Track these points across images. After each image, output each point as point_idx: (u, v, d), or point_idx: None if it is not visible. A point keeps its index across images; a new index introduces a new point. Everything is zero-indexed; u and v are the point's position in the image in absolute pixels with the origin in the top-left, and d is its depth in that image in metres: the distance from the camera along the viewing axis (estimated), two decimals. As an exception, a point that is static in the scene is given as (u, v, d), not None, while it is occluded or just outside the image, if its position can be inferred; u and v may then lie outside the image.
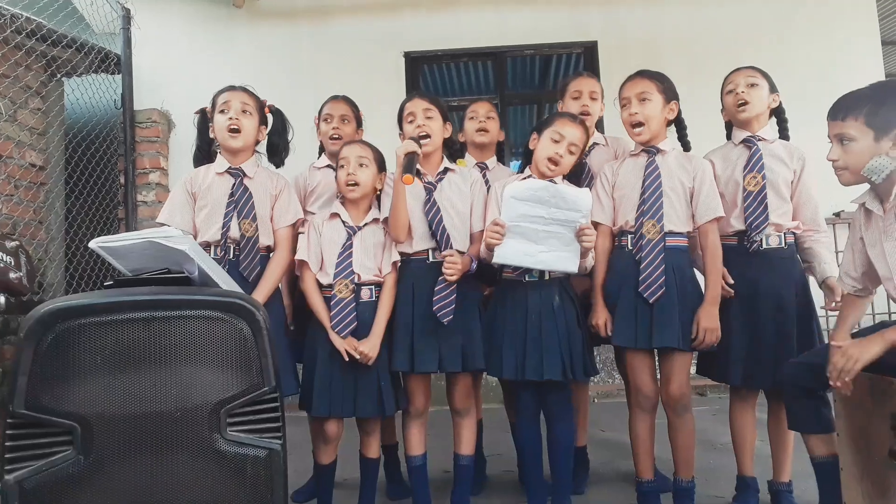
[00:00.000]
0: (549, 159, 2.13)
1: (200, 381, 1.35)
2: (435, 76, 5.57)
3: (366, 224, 2.21)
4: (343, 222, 2.20)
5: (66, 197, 4.01)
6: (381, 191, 2.27)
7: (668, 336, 2.06)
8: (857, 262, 1.82)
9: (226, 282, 1.66)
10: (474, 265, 2.16)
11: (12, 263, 1.43)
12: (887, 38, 5.45)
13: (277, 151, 2.35)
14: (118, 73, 4.22)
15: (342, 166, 2.19)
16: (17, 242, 1.47)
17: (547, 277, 2.13)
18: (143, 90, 4.29)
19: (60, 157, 3.99)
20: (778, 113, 2.27)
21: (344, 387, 2.12)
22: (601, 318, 2.16)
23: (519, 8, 4.57)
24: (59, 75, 4.01)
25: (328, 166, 2.51)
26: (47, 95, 3.90)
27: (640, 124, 2.14)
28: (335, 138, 2.50)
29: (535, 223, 2.01)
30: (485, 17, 4.56)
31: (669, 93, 2.18)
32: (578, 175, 2.27)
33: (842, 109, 1.69)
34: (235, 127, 2.16)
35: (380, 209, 2.27)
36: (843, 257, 1.91)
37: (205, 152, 2.29)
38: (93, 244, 1.57)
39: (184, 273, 1.59)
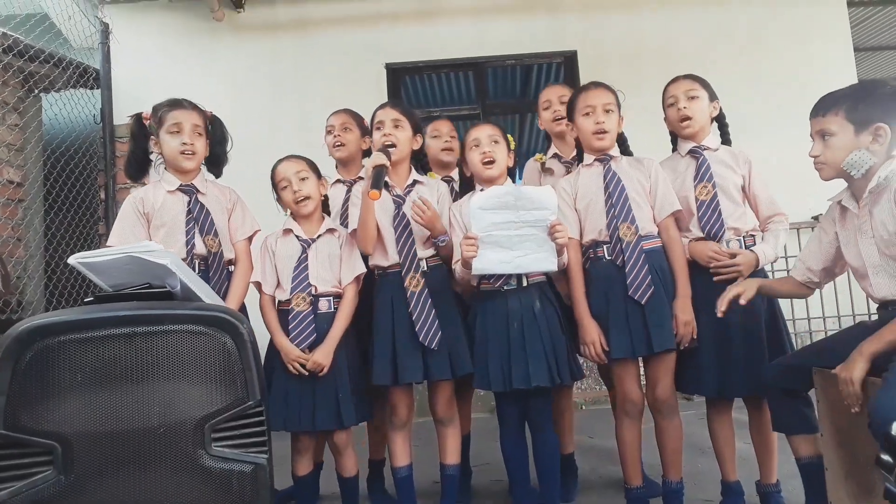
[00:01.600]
0: (481, 162, 2.16)
1: (184, 396, 1.34)
2: (416, 87, 5.59)
3: (319, 236, 2.22)
4: (297, 237, 2.21)
5: (45, 213, 3.97)
6: (325, 196, 2.30)
7: (665, 338, 2.06)
8: (822, 255, 1.87)
9: (208, 295, 1.65)
10: (444, 240, 2.17)
11: None
12: (859, 44, 5.57)
13: (218, 162, 2.33)
14: (97, 88, 4.20)
15: (284, 187, 2.20)
16: None
17: (525, 283, 2.12)
18: (122, 104, 4.25)
19: (39, 174, 3.95)
20: (719, 119, 2.31)
21: (301, 400, 2.10)
22: (592, 333, 2.12)
23: (498, 18, 4.61)
24: (36, 91, 3.97)
25: (338, 181, 2.53)
26: (25, 111, 3.86)
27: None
28: (339, 146, 2.52)
29: (506, 229, 2.00)
30: (465, 28, 4.60)
31: (619, 106, 2.22)
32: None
33: (823, 106, 1.74)
34: (190, 150, 2.15)
35: (329, 217, 2.31)
36: (807, 247, 1.95)
37: (140, 163, 2.24)
38: (72, 260, 1.55)
39: (165, 287, 1.57)
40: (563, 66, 4.74)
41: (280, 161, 2.28)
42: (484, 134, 2.18)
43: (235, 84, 4.37)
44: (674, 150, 2.36)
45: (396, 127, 2.23)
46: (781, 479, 2.20)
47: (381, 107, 2.30)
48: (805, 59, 4.45)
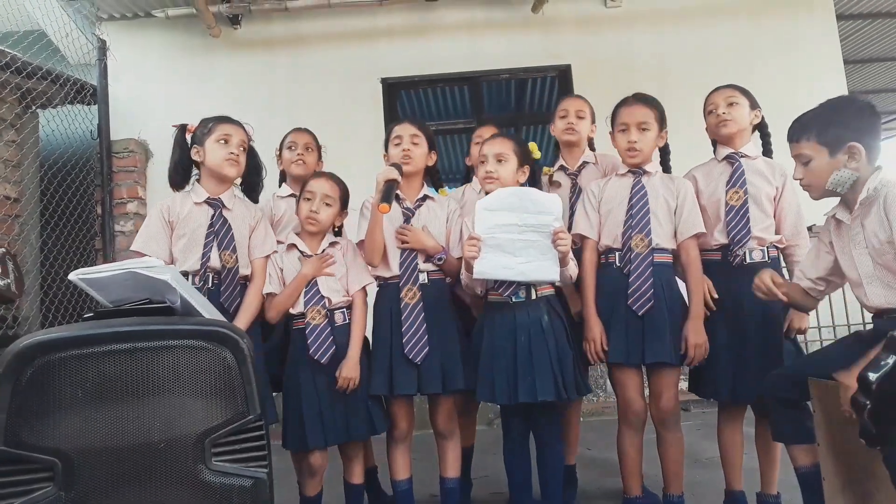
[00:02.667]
0: (484, 179, 2.15)
1: (184, 411, 1.33)
2: (413, 102, 5.63)
3: (324, 250, 2.23)
4: (301, 252, 2.22)
5: (42, 229, 3.97)
6: (339, 227, 2.32)
7: (658, 350, 2.08)
8: (820, 266, 1.89)
9: (208, 310, 1.65)
10: (441, 258, 2.20)
11: None
12: (849, 57, 5.65)
13: (254, 189, 2.37)
14: (94, 104, 4.21)
15: (308, 199, 2.20)
16: (4, 249, 1.45)
17: (534, 297, 2.12)
18: (119, 120, 4.28)
19: (35, 189, 3.95)
20: (761, 128, 2.33)
21: (335, 413, 2.10)
22: (595, 331, 2.16)
23: (493, 33, 4.66)
24: (34, 107, 3.99)
25: (292, 195, 2.52)
26: (22, 127, 3.87)
27: (636, 150, 2.19)
28: (300, 163, 2.53)
29: (509, 232, 2.01)
30: (460, 43, 4.64)
31: (662, 121, 2.24)
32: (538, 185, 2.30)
33: (796, 131, 1.78)
34: (235, 160, 2.17)
35: (335, 234, 2.32)
36: (806, 258, 1.97)
37: (185, 170, 2.26)
38: (72, 276, 1.55)
39: (165, 303, 1.58)
40: (558, 80, 4.79)
41: (318, 175, 2.28)
42: (492, 151, 2.16)
43: (232, 100, 4.38)
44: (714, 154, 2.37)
45: (414, 143, 2.26)
46: (781, 490, 2.21)
47: (400, 122, 2.33)
48: (795, 73, 4.50)
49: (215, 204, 2.19)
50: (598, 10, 4.68)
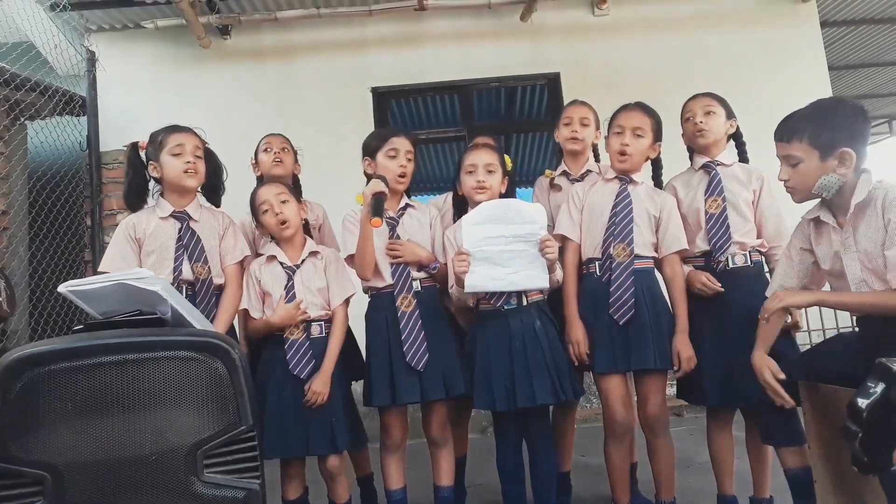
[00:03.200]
0: (474, 189, 2.17)
1: (176, 423, 1.33)
2: (402, 110, 5.64)
3: (303, 261, 2.22)
4: (281, 263, 2.20)
5: (30, 241, 3.93)
6: (305, 220, 2.31)
7: (644, 356, 2.09)
8: (797, 274, 1.89)
9: (200, 321, 1.65)
10: (434, 266, 2.21)
11: None
12: (833, 63, 5.72)
13: (216, 192, 2.35)
14: (83, 115, 4.20)
15: (266, 210, 2.20)
16: None
17: (525, 303, 2.14)
18: (109, 131, 4.26)
19: (24, 202, 3.92)
20: (736, 137, 2.36)
21: (295, 426, 2.08)
22: (578, 333, 2.16)
23: (483, 42, 4.69)
24: (22, 119, 3.96)
25: None
26: (10, 139, 3.85)
27: (627, 155, 2.20)
28: (277, 162, 2.55)
29: (497, 244, 2.02)
30: (450, 52, 4.66)
31: (658, 133, 2.26)
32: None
33: (787, 131, 1.75)
34: (193, 170, 2.16)
35: (315, 241, 2.33)
36: (779, 270, 1.96)
37: (140, 189, 2.23)
38: (62, 288, 1.55)
39: (156, 314, 1.57)
40: (547, 88, 4.82)
41: (259, 186, 2.29)
42: (481, 162, 2.19)
43: (222, 110, 4.38)
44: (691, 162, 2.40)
45: (409, 160, 2.28)
46: (774, 494, 2.22)
47: (396, 134, 2.31)
48: (781, 80, 4.55)
49: (181, 217, 2.18)
50: (587, 19, 4.72)
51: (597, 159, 2.63)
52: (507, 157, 2.29)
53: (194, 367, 1.36)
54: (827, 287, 1.91)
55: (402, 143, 2.27)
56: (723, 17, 4.71)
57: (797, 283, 1.89)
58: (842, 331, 3.86)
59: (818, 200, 1.81)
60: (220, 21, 4.36)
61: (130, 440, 1.30)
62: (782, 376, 1.78)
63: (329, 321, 2.19)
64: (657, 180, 2.42)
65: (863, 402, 1.37)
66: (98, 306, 1.60)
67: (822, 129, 1.70)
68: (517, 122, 5.96)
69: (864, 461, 1.39)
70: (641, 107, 2.26)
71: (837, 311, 3.92)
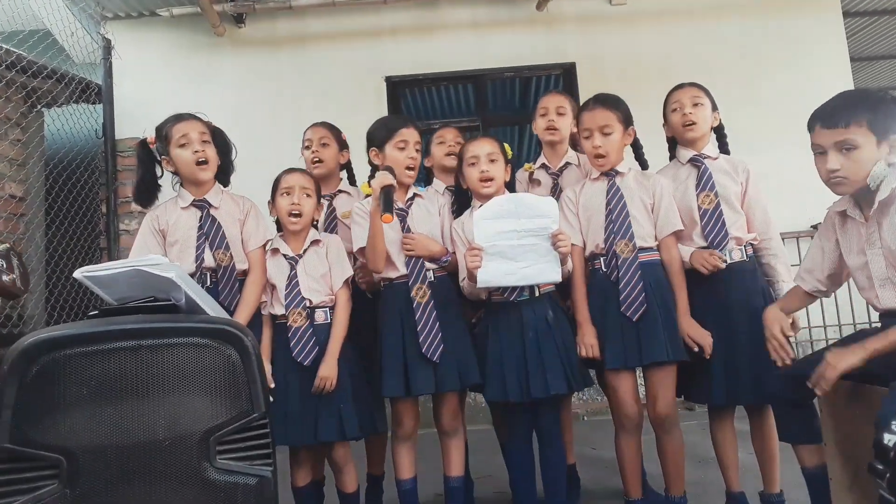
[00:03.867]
0: (481, 179, 2.16)
1: (189, 409, 1.34)
2: (416, 100, 5.63)
3: (305, 250, 2.22)
4: (284, 255, 2.21)
5: (47, 228, 3.97)
6: (317, 221, 2.31)
7: (656, 350, 2.07)
8: (826, 263, 1.86)
9: (213, 308, 1.65)
10: (446, 258, 2.20)
11: (4, 266, 1.41)
12: (855, 54, 5.62)
13: (226, 171, 2.32)
14: (99, 103, 4.22)
15: (286, 194, 2.19)
16: (7, 245, 1.45)
17: (537, 294, 2.13)
18: (124, 119, 4.29)
19: (41, 188, 3.96)
20: (718, 129, 2.32)
21: (302, 413, 2.09)
22: (590, 338, 2.14)
23: (498, 31, 4.65)
24: (39, 106, 4.00)
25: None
26: (27, 126, 3.88)
27: (603, 156, 2.17)
28: (317, 162, 2.51)
29: (509, 239, 2.01)
30: (464, 41, 4.63)
31: (627, 119, 2.21)
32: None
33: (842, 116, 1.62)
34: (203, 158, 2.15)
35: (317, 231, 2.29)
36: (809, 256, 1.92)
37: (149, 185, 2.22)
38: (78, 274, 1.56)
39: (170, 301, 1.58)
40: (563, 79, 4.77)
41: (291, 170, 2.28)
42: (483, 152, 2.18)
43: (236, 98, 4.39)
44: (671, 157, 2.37)
45: (417, 151, 2.27)
46: (786, 489, 2.20)
47: (405, 125, 2.28)
48: (802, 70, 4.48)
49: (202, 205, 2.19)
50: (603, 8, 4.67)
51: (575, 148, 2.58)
52: (506, 146, 2.27)
53: (208, 354, 1.37)
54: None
55: (411, 135, 2.26)
56: (742, 6, 4.64)
57: (825, 272, 1.86)
58: (858, 326, 3.82)
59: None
60: (235, 9, 4.36)
61: (144, 425, 1.31)
62: (791, 333, 1.78)
63: (332, 308, 2.19)
64: (641, 160, 2.37)
65: (890, 440, 1.29)
66: (113, 292, 1.61)
67: (877, 113, 1.60)
68: (532, 113, 5.91)
69: (893, 501, 1.30)
70: (601, 101, 2.20)
71: (854, 306, 3.89)
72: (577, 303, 2.19)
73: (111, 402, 1.29)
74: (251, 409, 1.39)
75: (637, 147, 2.35)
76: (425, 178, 2.70)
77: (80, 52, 4.15)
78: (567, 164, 2.51)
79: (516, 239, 2.01)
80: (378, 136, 2.29)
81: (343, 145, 2.61)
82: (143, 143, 2.22)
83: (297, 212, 2.17)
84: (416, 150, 2.26)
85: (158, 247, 2.15)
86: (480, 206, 2.16)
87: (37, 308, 3.78)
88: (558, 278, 2.06)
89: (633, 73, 4.39)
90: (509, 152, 2.28)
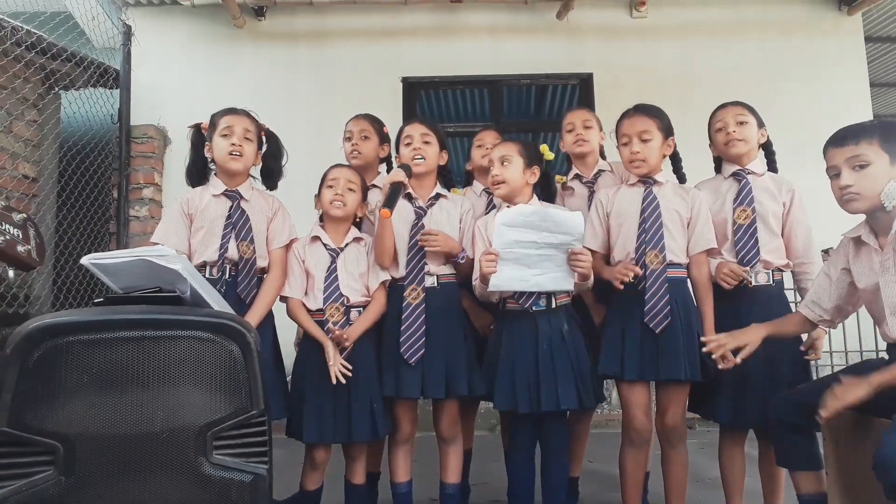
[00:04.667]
0: (491, 184, 2.16)
1: (188, 402, 1.33)
2: (432, 102, 5.63)
3: (347, 245, 2.21)
4: (324, 244, 2.20)
5: (58, 210, 3.99)
6: (361, 218, 2.30)
7: (673, 368, 2.04)
8: (834, 293, 1.84)
9: (218, 302, 1.65)
10: (463, 257, 2.19)
11: (20, 236, 1.40)
12: (875, 80, 5.57)
13: (272, 175, 2.35)
14: (116, 88, 4.24)
15: (330, 186, 2.20)
16: (25, 215, 1.45)
17: (554, 305, 2.11)
18: (140, 106, 4.31)
19: (54, 170, 3.98)
20: (766, 147, 2.30)
21: (336, 412, 2.09)
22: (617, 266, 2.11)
23: (516, 38, 4.65)
24: (56, 88, 4.02)
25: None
26: (44, 108, 3.90)
27: (641, 161, 2.15)
28: (356, 154, 2.50)
29: (527, 248, 1.99)
30: (482, 46, 4.63)
31: (668, 130, 2.20)
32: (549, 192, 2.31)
33: (852, 135, 1.67)
34: (238, 152, 2.17)
35: (360, 230, 2.30)
36: (816, 284, 1.91)
37: (199, 168, 2.28)
38: (85, 260, 1.56)
39: (175, 292, 1.58)
40: (579, 88, 4.76)
41: (337, 165, 2.29)
42: (496, 155, 2.18)
43: (253, 91, 4.40)
44: (717, 172, 2.35)
45: (426, 143, 2.26)
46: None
47: (410, 122, 2.33)
48: (821, 92, 4.46)
49: (233, 196, 2.21)
50: (624, 20, 4.66)
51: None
52: (544, 147, 2.25)
53: (209, 349, 1.36)
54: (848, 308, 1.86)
55: (414, 129, 2.27)
56: (764, 25, 4.61)
57: (832, 303, 1.85)
58: (865, 354, 3.79)
59: (862, 219, 1.76)
60: (256, 2, 4.37)
61: (143, 416, 1.30)
62: (816, 357, 1.82)
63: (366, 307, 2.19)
64: (679, 174, 2.36)
65: None
66: (119, 280, 1.61)
67: (891, 133, 1.64)
68: (546, 121, 5.90)
69: None
70: (641, 109, 2.20)
71: (861, 333, 3.85)
72: (604, 274, 2.16)
73: (111, 392, 1.29)
74: (250, 406, 1.38)
75: (676, 160, 2.33)
76: (465, 180, 2.70)
77: (100, 37, 4.16)
78: (600, 171, 2.49)
79: (535, 249, 2.00)
80: (396, 143, 2.36)
81: (384, 139, 2.59)
82: (198, 128, 2.28)
83: (340, 201, 2.17)
84: (425, 142, 2.26)
85: (185, 229, 2.17)
86: (507, 206, 2.16)
87: (43, 289, 3.80)
88: (571, 287, 2.06)
89: (650, 86, 4.37)
90: (548, 154, 2.25)
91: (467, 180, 2.71)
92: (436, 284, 2.20)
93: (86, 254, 1.59)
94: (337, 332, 2.05)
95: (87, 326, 1.30)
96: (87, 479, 1.27)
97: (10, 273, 1.83)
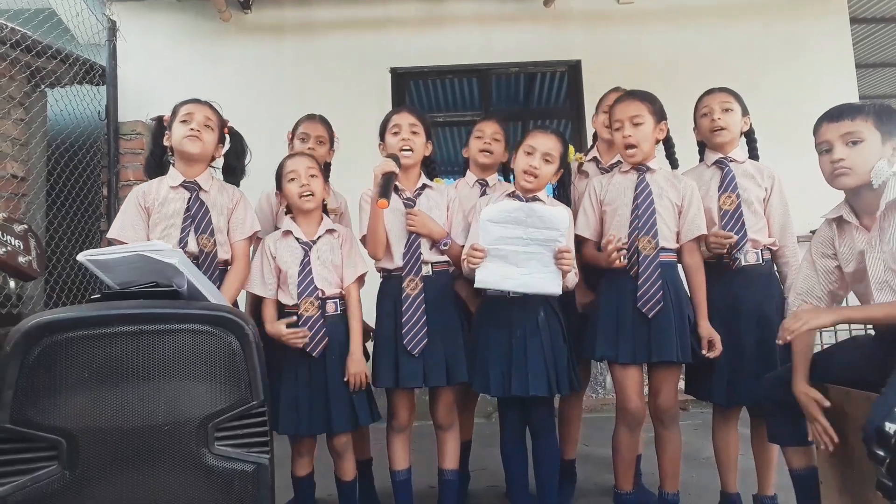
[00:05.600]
0: (525, 171, 2.16)
1: (188, 394, 1.34)
2: (421, 92, 5.61)
3: (319, 237, 2.20)
4: (297, 238, 2.19)
5: (48, 209, 3.97)
6: (326, 201, 2.29)
7: (665, 350, 2.08)
8: (824, 281, 1.85)
9: (214, 295, 1.66)
10: (446, 243, 2.19)
11: (21, 247, 1.41)
12: (861, 61, 5.61)
13: (234, 173, 2.32)
14: (102, 85, 4.21)
15: (292, 179, 2.17)
16: (26, 226, 1.45)
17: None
18: (127, 102, 4.28)
19: (42, 169, 3.95)
20: (748, 134, 2.33)
21: (312, 405, 2.09)
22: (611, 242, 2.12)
23: (504, 26, 4.64)
24: (42, 86, 3.98)
25: None
26: (30, 106, 3.86)
27: (633, 146, 2.17)
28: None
29: (514, 244, 2.01)
30: (471, 35, 4.62)
31: (660, 113, 2.22)
32: (565, 186, 2.31)
33: (848, 112, 1.70)
34: (195, 136, 2.13)
35: (328, 217, 2.28)
36: (802, 278, 1.90)
37: (157, 159, 2.24)
38: (81, 257, 1.56)
39: (172, 286, 1.59)
40: (567, 75, 4.77)
41: (291, 156, 2.28)
42: (541, 148, 2.15)
43: (240, 84, 4.39)
44: (701, 160, 2.38)
45: (413, 133, 2.25)
46: (778, 490, 2.22)
47: (398, 111, 2.32)
48: (806, 75, 4.49)
49: (191, 187, 2.16)
50: (610, 7, 4.66)
51: None
52: (571, 148, 2.26)
53: (208, 341, 1.37)
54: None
55: (402, 118, 2.26)
56: (749, 8, 4.63)
57: (823, 291, 1.85)
58: (854, 332, 3.83)
59: (840, 201, 1.79)
60: (242, -5, 4.34)
61: (144, 410, 1.31)
62: (826, 404, 1.69)
63: (343, 299, 2.19)
64: (671, 159, 2.39)
65: (891, 427, 1.33)
66: (115, 276, 1.61)
67: (885, 115, 1.67)
68: (535, 109, 5.91)
69: (890, 487, 1.35)
70: (634, 94, 2.23)
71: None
72: (597, 258, 2.21)
73: (112, 386, 1.30)
74: (250, 397, 1.39)
75: (669, 145, 2.35)
76: (464, 168, 2.70)
77: (84, 33, 4.12)
78: (619, 161, 2.49)
79: (521, 245, 2.01)
80: (380, 130, 2.34)
81: (332, 144, 2.61)
82: (160, 120, 2.25)
83: (306, 192, 2.16)
84: (413, 132, 2.25)
85: (142, 222, 2.11)
86: (504, 193, 2.18)
87: (36, 289, 3.78)
88: (558, 291, 2.06)
89: (638, 72, 4.36)
90: (572, 156, 2.26)
91: (463, 168, 2.71)
92: (430, 273, 2.22)
93: (77, 252, 1.59)
94: (352, 376, 2.10)
95: (86, 322, 1.31)
96: (91, 473, 1.28)
97: (11, 284, 1.84)
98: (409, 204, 2.24)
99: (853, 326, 3.95)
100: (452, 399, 2.28)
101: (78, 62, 3.96)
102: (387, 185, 2.05)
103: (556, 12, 4.60)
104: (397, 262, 2.21)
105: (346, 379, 2.10)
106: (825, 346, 1.92)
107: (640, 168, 2.22)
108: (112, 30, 4.22)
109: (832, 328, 4.03)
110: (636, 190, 2.19)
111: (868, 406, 1.55)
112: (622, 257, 2.10)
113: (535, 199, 2.19)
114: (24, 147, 3.81)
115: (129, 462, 1.30)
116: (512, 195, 2.22)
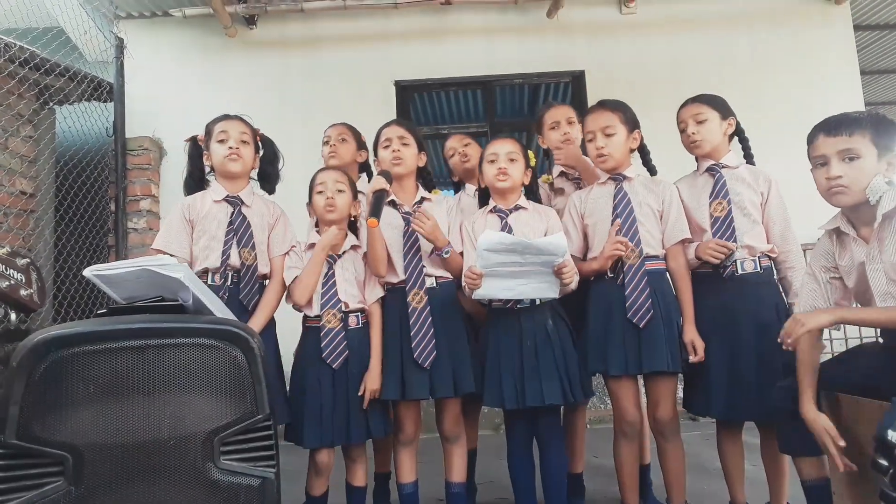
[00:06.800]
0: (495, 175, 2.17)
1: (194, 409, 1.35)
2: (425, 105, 5.65)
3: (344, 252, 2.23)
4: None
5: (56, 224, 4.00)
6: (355, 217, 2.31)
7: (656, 360, 2.06)
8: (828, 293, 1.81)
9: (220, 309, 1.67)
10: (447, 251, 2.18)
11: (23, 280, 1.43)
12: (865, 68, 5.61)
13: (269, 179, 2.37)
14: (110, 102, 4.25)
15: (320, 192, 2.21)
16: (28, 259, 1.48)
17: (538, 303, 2.14)
18: (134, 118, 4.32)
19: (51, 185, 3.99)
20: (738, 134, 2.28)
21: (335, 414, 2.10)
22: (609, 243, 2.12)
23: (508, 37, 4.67)
24: (51, 103, 4.02)
25: None
26: (39, 123, 3.91)
27: (605, 156, 2.18)
28: (333, 155, 2.55)
29: (512, 267, 2.00)
30: (474, 47, 4.65)
31: (632, 122, 2.21)
32: (534, 191, 2.33)
33: (845, 126, 1.66)
34: (236, 154, 2.18)
35: (357, 237, 2.30)
36: (806, 295, 1.86)
37: (196, 179, 2.30)
38: (87, 272, 1.57)
39: (178, 301, 1.59)
40: (571, 86, 4.78)
41: (323, 169, 2.32)
42: (503, 151, 2.19)
43: (246, 100, 4.35)
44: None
45: (404, 144, 2.27)
46: (791, 501, 2.18)
47: (387, 125, 2.34)
48: (811, 82, 4.49)
49: (234, 201, 2.21)
50: (614, 17, 4.68)
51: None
52: (530, 152, 2.28)
53: (214, 355, 1.38)
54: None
55: (391, 131, 2.29)
56: (753, 17, 4.65)
57: (826, 304, 1.82)
58: (865, 339, 3.80)
59: (836, 212, 1.76)
60: (247, 11, 4.39)
61: (150, 424, 1.31)
62: (842, 443, 1.63)
63: (364, 312, 2.22)
64: (649, 166, 2.38)
65: (893, 436, 1.31)
66: (122, 291, 1.62)
67: (882, 128, 1.64)
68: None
69: (894, 497, 1.32)
70: (604, 105, 2.23)
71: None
72: (590, 267, 2.20)
73: (117, 401, 1.30)
74: (255, 411, 1.40)
75: (644, 152, 2.34)
76: (456, 188, 2.73)
77: (92, 51, 4.18)
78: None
79: (519, 267, 2.01)
80: (374, 146, 2.36)
81: (361, 145, 2.65)
82: (194, 140, 2.29)
83: (330, 204, 2.19)
84: (403, 144, 2.27)
85: (187, 236, 2.16)
86: (494, 206, 2.19)
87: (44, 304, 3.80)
88: (555, 295, 2.07)
89: (642, 82, 4.40)
90: (532, 159, 2.27)
91: (457, 187, 2.75)
92: (434, 285, 2.22)
93: (85, 268, 1.60)
94: (370, 391, 2.12)
95: (92, 337, 1.32)
96: (97, 488, 1.28)
97: (13, 316, 1.85)
98: (408, 217, 2.24)
99: (864, 334, 3.93)
100: (459, 411, 2.27)
101: (86, 79, 4.01)
102: (377, 204, 2.06)
103: (560, 23, 4.63)
104: (400, 275, 2.21)
105: (360, 393, 2.11)
106: (835, 353, 1.90)
107: (617, 178, 2.22)
108: (119, 47, 4.28)
109: (842, 337, 4.04)
110: (615, 200, 2.19)
111: (880, 414, 1.53)
112: (623, 247, 2.09)
113: (518, 207, 2.21)
114: (32, 164, 3.85)
115: (135, 477, 1.30)
116: (494, 211, 2.22)
